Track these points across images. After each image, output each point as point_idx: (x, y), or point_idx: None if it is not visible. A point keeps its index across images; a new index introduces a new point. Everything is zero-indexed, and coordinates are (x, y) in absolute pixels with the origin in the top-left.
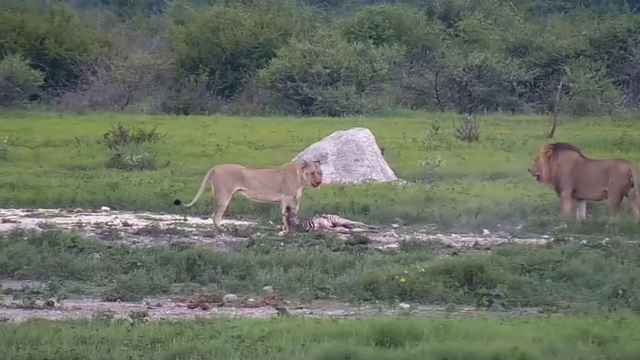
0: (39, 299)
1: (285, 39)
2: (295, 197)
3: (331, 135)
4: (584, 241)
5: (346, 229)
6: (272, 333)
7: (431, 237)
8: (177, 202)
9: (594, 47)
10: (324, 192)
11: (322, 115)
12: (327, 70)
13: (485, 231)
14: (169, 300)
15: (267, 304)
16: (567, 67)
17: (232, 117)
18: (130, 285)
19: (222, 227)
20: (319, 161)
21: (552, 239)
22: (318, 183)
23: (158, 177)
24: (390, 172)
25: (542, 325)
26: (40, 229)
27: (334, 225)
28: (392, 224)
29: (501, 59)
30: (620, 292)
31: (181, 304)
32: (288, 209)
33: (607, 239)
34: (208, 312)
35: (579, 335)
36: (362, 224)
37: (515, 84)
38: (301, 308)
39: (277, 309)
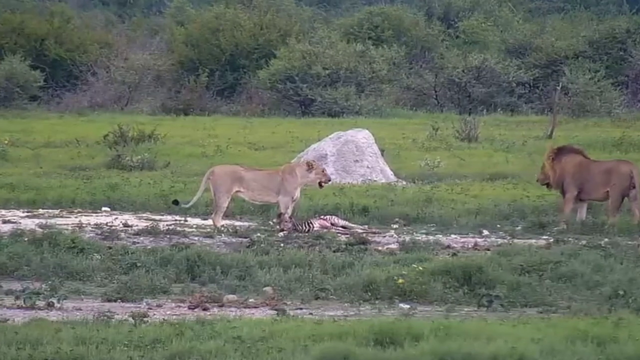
0: (39, 299)
1: (285, 40)
2: (292, 198)
3: (331, 136)
4: (584, 242)
5: (345, 230)
6: (272, 333)
7: (431, 237)
8: (176, 202)
9: (593, 48)
10: (324, 193)
11: (321, 116)
12: (327, 71)
13: (485, 232)
14: (169, 300)
15: (267, 305)
16: (566, 68)
17: (232, 118)
18: (131, 285)
19: (222, 228)
20: (314, 161)
21: (552, 240)
22: (329, 180)
23: (158, 178)
24: (389, 172)
25: (541, 325)
26: (41, 230)
27: (333, 225)
28: (392, 225)
29: (500, 60)
30: (619, 292)
31: (181, 304)
32: (279, 215)
33: (606, 239)
34: (208, 313)
35: (578, 335)
36: (360, 227)
37: (514, 84)
38: (301, 309)
39: (276, 310)
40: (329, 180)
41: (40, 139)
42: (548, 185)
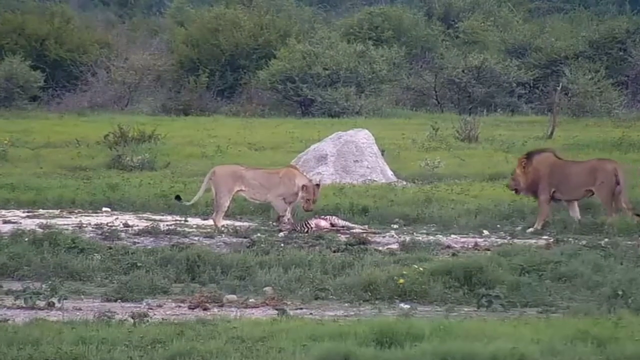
0: (39, 299)
1: (285, 40)
2: (286, 200)
3: (331, 137)
4: (584, 242)
5: (345, 230)
6: (272, 333)
7: (431, 238)
8: (178, 198)
9: (593, 49)
10: (324, 193)
11: (321, 117)
12: (327, 72)
13: (485, 232)
14: (170, 300)
15: (267, 305)
16: (566, 68)
17: (232, 118)
18: (131, 286)
19: (223, 228)
20: (319, 184)
21: (552, 240)
22: (309, 210)
23: (158, 178)
24: (389, 173)
25: (541, 326)
26: (41, 230)
27: (333, 226)
28: (392, 225)
29: (500, 60)
30: (619, 292)
31: (181, 304)
32: (278, 217)
33: (606, 239)
34: (208, 313)
35: (578, 335)
36: (361, 226)
37: (514, 85)
38: (301, 309)
39: (276, 310)
40: (310, 210)
41: (40, 139)
42: (517, 191)
